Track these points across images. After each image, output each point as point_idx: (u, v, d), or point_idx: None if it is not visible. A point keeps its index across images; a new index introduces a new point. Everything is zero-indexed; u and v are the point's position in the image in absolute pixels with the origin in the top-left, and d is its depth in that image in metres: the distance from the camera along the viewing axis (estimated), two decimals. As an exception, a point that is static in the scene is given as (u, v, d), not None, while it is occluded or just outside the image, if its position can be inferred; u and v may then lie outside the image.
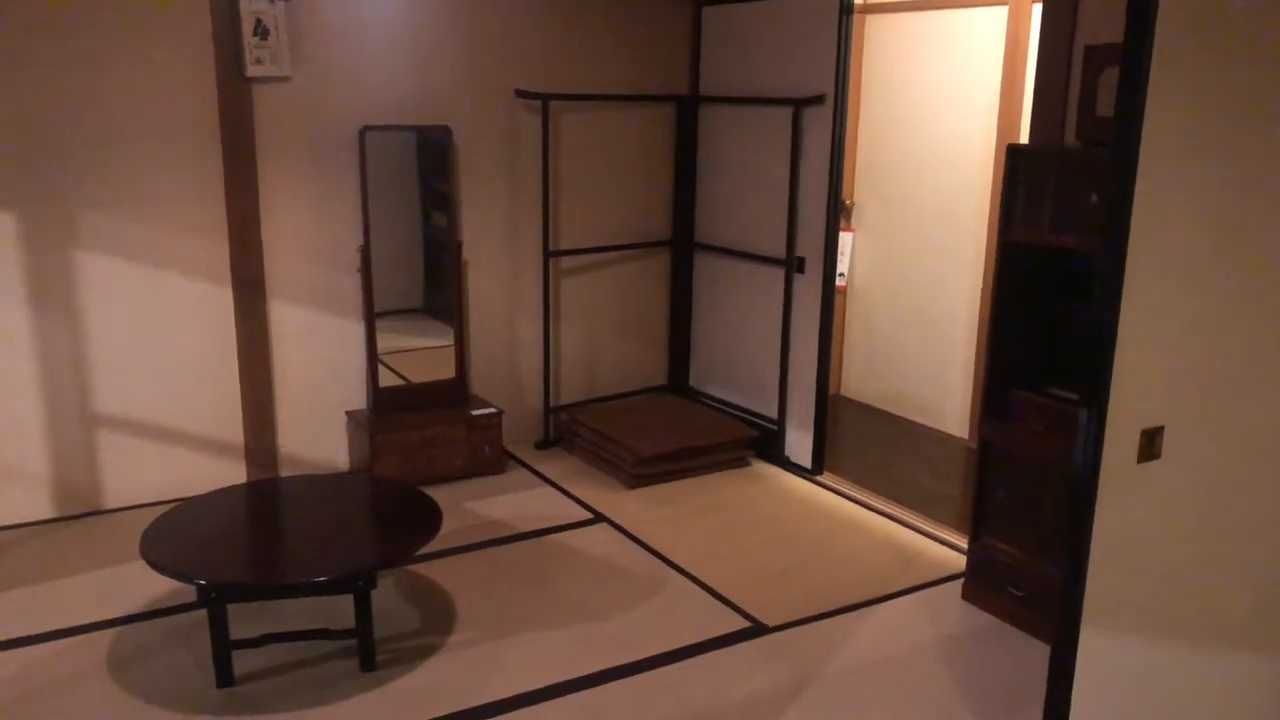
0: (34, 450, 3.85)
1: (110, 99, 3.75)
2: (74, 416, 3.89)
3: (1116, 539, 2.17)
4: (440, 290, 4.64)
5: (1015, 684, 3.02)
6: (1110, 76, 2.86)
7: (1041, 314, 3.33)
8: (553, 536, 3.93)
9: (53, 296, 3.79)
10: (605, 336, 5.08)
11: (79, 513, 3.96)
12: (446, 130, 4.38)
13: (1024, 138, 4.47)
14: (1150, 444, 2.15)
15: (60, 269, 3.78)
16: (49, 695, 2.83)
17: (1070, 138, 3.17)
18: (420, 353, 4.60)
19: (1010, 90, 4.60)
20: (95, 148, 3.75)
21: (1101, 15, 3.06)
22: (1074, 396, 3.19)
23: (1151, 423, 2.15)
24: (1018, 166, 3.18)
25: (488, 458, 4.49)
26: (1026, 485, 3.30)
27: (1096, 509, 2.12)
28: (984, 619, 3.38)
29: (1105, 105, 2.90)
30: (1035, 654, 3.15)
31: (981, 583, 3.45)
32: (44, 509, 3.91)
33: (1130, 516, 2.19)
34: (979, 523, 3.46)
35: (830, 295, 4.45)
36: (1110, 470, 2.12)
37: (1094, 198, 2.89)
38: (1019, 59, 4.55)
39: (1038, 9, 4.41)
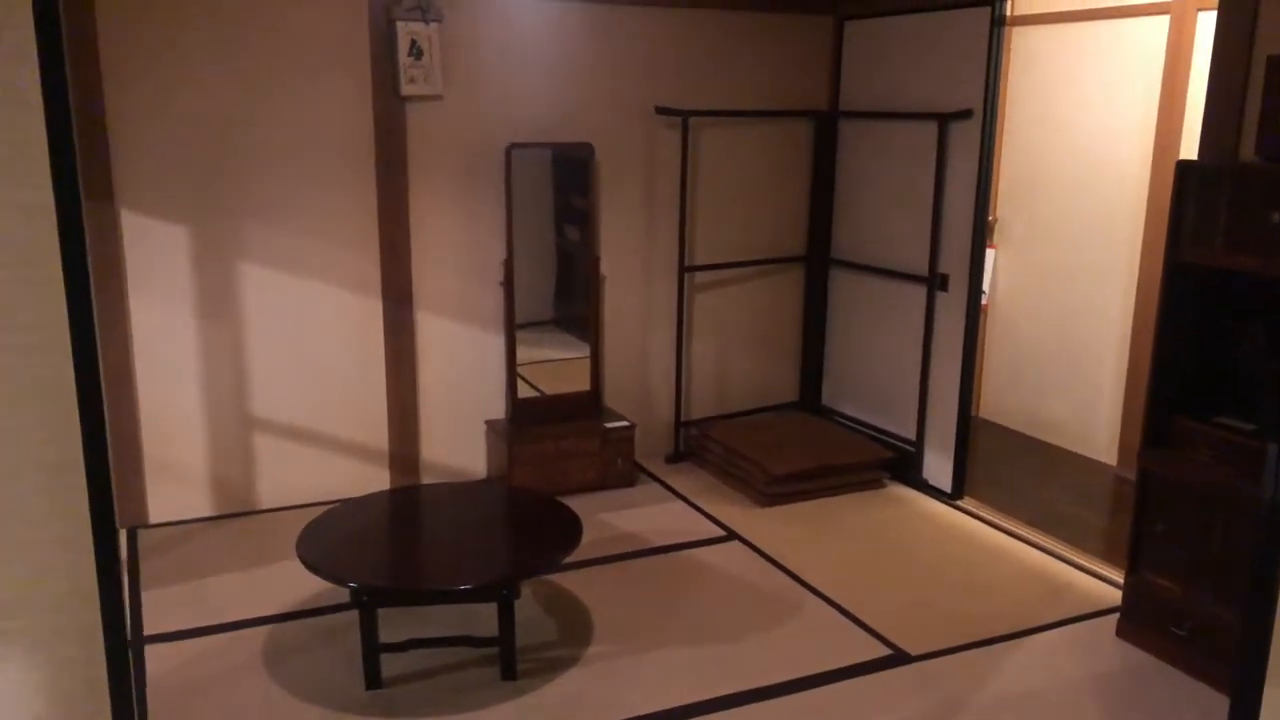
0: (196, 450, 4.06)
1: (274, 117, 3.93)
2: (233, 419, 4.09)
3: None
4: (572, 303, 4.70)
5: (1178, 729, 2.86)
6: (1298, 89, 2.69)
7: (1209, 339, 3.16)
8: (686, 552, 3.92)
9: (217, 304, 3.99)
10: (737, 351, 5.06)
11: (235, 511, 4.16)
12: (589, 147, 4.44)
13: (1184, 153, 4.25)
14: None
15: (224, 279, 3.99)
16: (208, 688, 2.96)
17: (1247, 153, 3.00)
18: (555, 365, 4.66)
19: (1170, 104, 4.39)
20: (259, 164, 3.95)
21: (1284, 23, 2.89)
22: (1245, 426, 3.01)
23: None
24: (1188, 184, 3.02)
25: (619, 470, 4.52)
26: (1190, 518, 3.12)
27: (1286, 550, 1.98)
28: (1141, 658, 3.22)
29: (1292, 119, 2.74)
30: (1198, 698, 2.98)
31: (1138, 620, 3.28)
32: (204, 507, 4.12)
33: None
34: (1137, 556, 3.29)
35: (975, 314, 4.32)
36: (1302, 509, 1.97)
37: (1276, 217, 2.72)
38: (1180, 71, 4.34)
39: (1204, 18, 4.20)
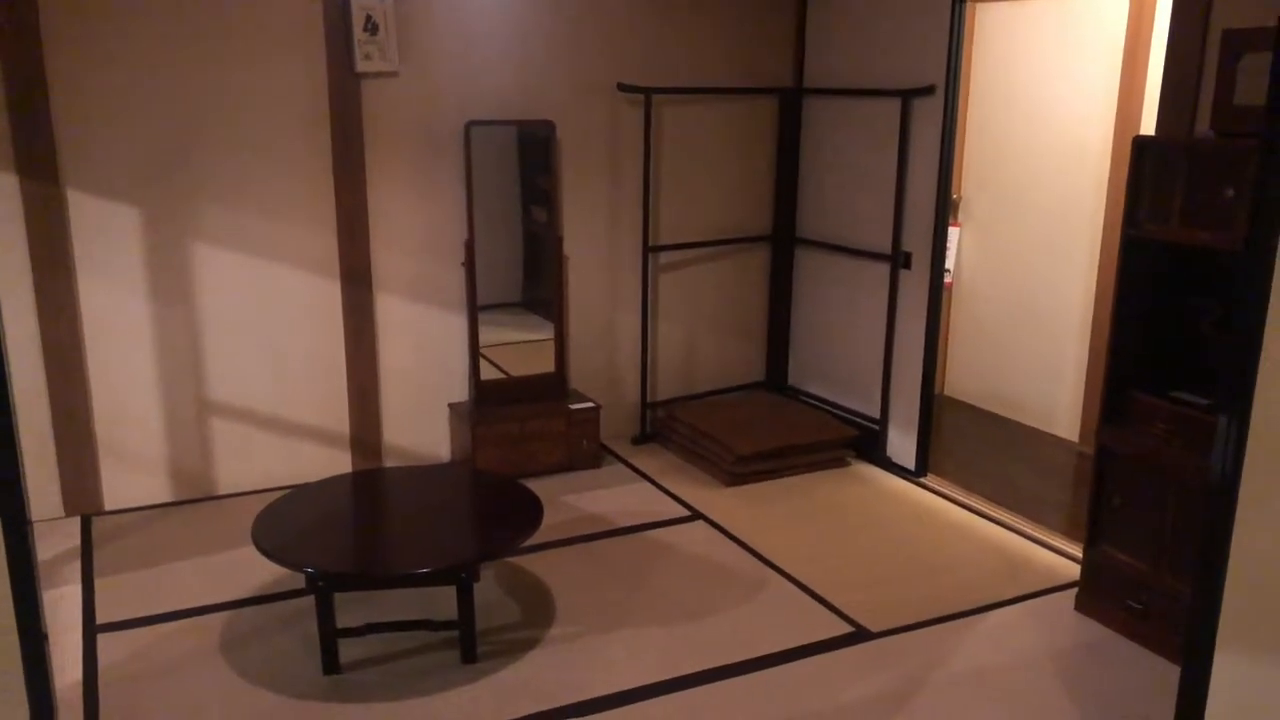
0: (152, 436, 4.00)
1: (226, 94, 3.85)
2: (189, 404, 4.03)
3: (1255, 556, 2.04)
4: (539, 284, 4.66)
5: (1133, 701, 2.88)
6: (1252, 62, 2.69)
7: (1166, 314, 3.17)
8: (650, 532, 3.91)
9: (170, 287, 3.92)
10: (704, 332, 5.04)
11: (193, 497, 4.10)
12: (549, 125, 4.39)
13: (1145, 130, 4.26)
14: (1296, 455, 2.01)
15: (177, 260, 3.91)
16: (163, 675, 2.92)
17: (1202, 128, 3.00)
18: (520, 346, 4.63)
19: (1130, 80, 4.40)
20: (211, 142, 3.87)
21: (1239, -2, 2.89)
22: (1200, 401, 3.03)
23: (1298, 432, 2.01)
24: (1144, 159, 3.02)
25: (585, 452, 4.50)
26: (1147, 493, 3.14)
27: (1235, 524, 1.99)
28: (1099, 631, 3.24)
29: (1245, 93, 2.74)
30: (1155, 670, 3.00)
31: (1096, 594, 3.31)
32: (162, 493, 4.05)
33: (1272, 533, 2.05)
34: (1094, 531, 3.31)
35: (938, 292, 4.32)
36: (1251, 483, 1.99)
37: (1230, 192, 2.73)
38: (1140, 47, 4.34)
39: (1164, -7, 4.20)
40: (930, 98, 4.21)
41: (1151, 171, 3.00)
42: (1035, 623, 3.29)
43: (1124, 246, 3.12)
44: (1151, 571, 3.13)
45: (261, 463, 4.17)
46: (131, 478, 3.98)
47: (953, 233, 5.10)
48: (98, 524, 3.87)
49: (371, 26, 3.93)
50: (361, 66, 3.97)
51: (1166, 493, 3.08)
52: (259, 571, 3.40)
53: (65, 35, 3.58)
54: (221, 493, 4.14)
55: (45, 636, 1.28)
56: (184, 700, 2.81)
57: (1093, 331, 4.74)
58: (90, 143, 3.69)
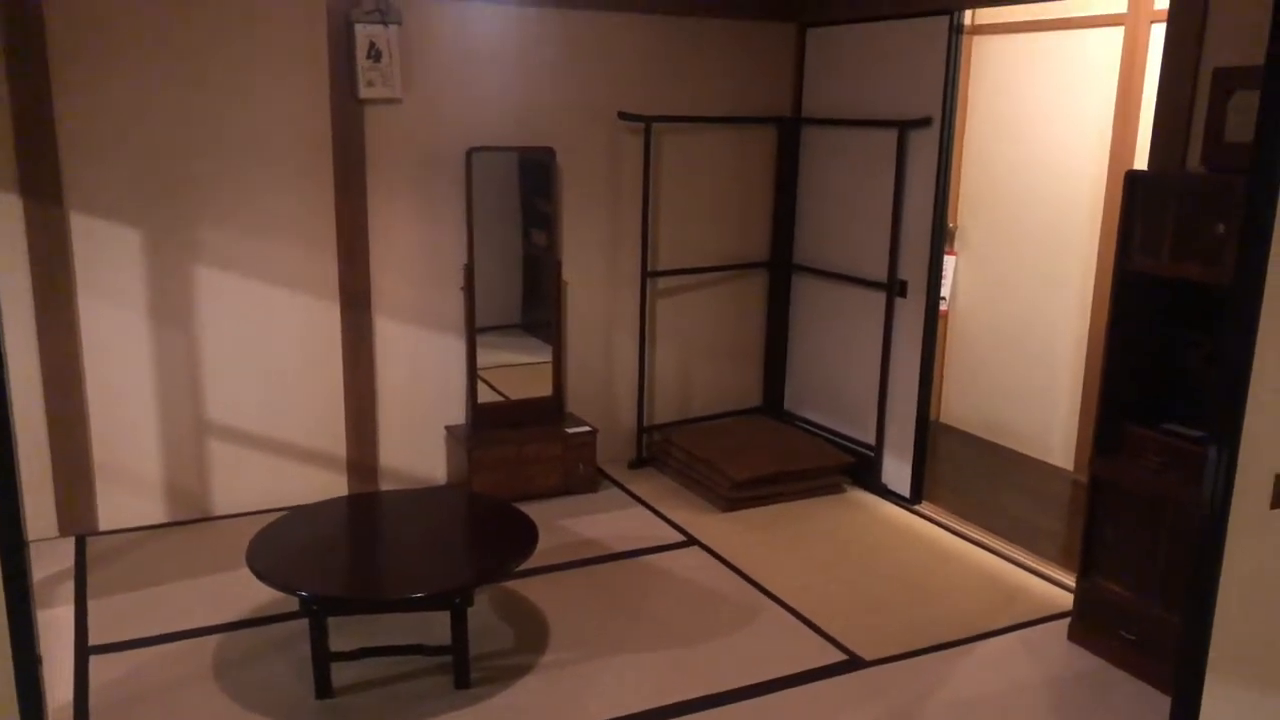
0: (149, 456, 4.00)
1: (230, 119, 3.89)
2: (187, 425, 4.04)
3: (1245, 587, 2.05)
4: (538, 307, 4.69)
5: (1127, 733, 2.88)
6: (1242, 100, 2.73)
7: (1158, 346, 3.20)
8: (645, 558, 3.91)
9: (170, 308, 3.94)
10: (701, 357, 5.06)
11: (189, 518, 4.10)
12: (550, 151, 4.43)
13: (1139, 163, 4.31)
14: (1286, 489, 2.03)
15: (178, 281, 3.94)
16: (156, 697, 2.92)
17: (1194, 164, 3.04)
18: (517, 369, 4.64)
19: (1125, 114, 4.45)
20: (215, 166, 3.90)
21: (1230, 36, 2.93)
22: (1191, 433, 3.05)
23: (1287, 467, 2.03)
24: (1136, 193, 3.05)
25: (582, 476, 4.51)
26: (1140, 524, 3.15)
27: (1225, 555, 2.01)
28: (1092, 661, 3.25)
29: (1236, 130, 2.78)
30: (1148, 701, 3.01)
31: (1090, 624, 3.31)
32: (157, 514, 4.06)
33: (1261, 564, 2.07)
34: (1088, 561, 3.32)
35: (934, 320, 4.35)
36: (1240, 514, 2.00)
37: (1221, 227, 2.76)
38: (1135, 82, 4.39)
39: (1157, 30, 4.26)
40: (927, 129, 4.25)
41: (1143, 206, 3.03)
42: (1028, 652, 3.30)
43: (1116, 280, 3.15)
44: (1144, 602, 3.14)
45: (258, 484, 4.18)
46: (127, 498, 3.99)
47: (949, 261, 5.14)
48: (92, 544, 3.87)
49: (375, 53, 3.97)
50: (365, 93, 4.01)
51: (1159, 524, 3.09)
52: (253, 594, 3.39)
53: (71, 58, 3.62)
54: (217, 514, 4.15)
55: (39, 660, 1.28)
56: (176, 723, 2.81)
57: (1087, 361, 4.76)
58: (94, 165, 3.72)
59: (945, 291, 5.03)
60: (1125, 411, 3.21)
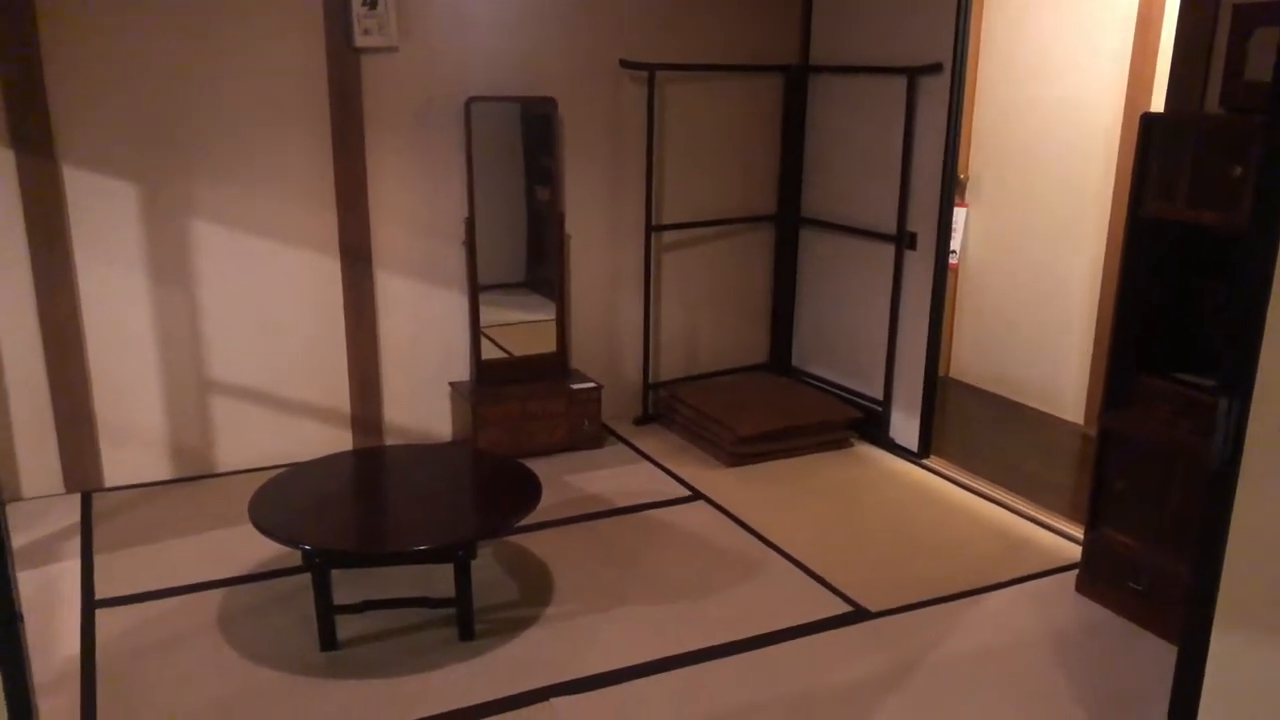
0: (152, 413, 3.99)
1: (223, 69, 3.83)
2: (189, 381, 4.02)
3: (1254, 537, 2.02)
4: (542, 265, 4.64)
5: (1133, 682, 2.86)
6: (1263, 37, 2.65)
7: (1171, 295, 3.14)
8: (650, 512, 3.89)
9: (169, 264, 3.91)
10: (706, 313, 5.01)
11: (193, 475, 4.10)
12: (551, 102, 4.35)
13: (1156, 106, 4.21)
14: (1298, 437, 1.99)
15: (176, 237, 3.90)
16: (161, 651, 2.92)
17: (1213, 105, 2.96)
18: (522, 326, 4.61)
19: (1142, 56, 4.34)
20: (209, 118, 3.84)
21: (1251, -28, 2.84)
22: (1205, 382, 3.00)
23: (1300, 414, 1.98)
24: (1152, 136, 2.98)
25: (587, 432, 4.49)
26: (1150, 475, 3.11)
27: (1235, 505, 1.97)
28: (1099, 613, 3.22)
29: (1256, 69, 2.69)
30: (1155, 652, 2.99)
31: (1097, 575, 3.29)
32: (161, 470, 4.06)
33: (1271, 514, 2.03)
34: (1096, 513, 3.29)
35: (943, 273, 4.29)
36: (1251, 465, 1.96)
37: (1238, 170, 2.69)
38: (1153, 23, 4.28)
39: (1175, -32, 4.14)
40: (937, 75, 4.16)
41: (1159, 150, 2.96)
42: (1035, 604, 3.28)
43: (1129, 227, 3.08)
44: (1152, 553, 3.11)
45: (261, 441, 4.17)
46: (131, 455, 3.98)
47: (959, 213, 5.06)
48: (98, 500, 3.87)
49: (370, 1, 3.89)
50: (360, 41, 3.93)
51: (1170, 475, 3.05)
52: (257, 548, 3.39)
53: (58, 8, 3.55)
54: (221, 470, 4.14)
55: (20, 617, 1.26)
56: (182, 675, 2.81)
57: (1099, 313, 4.70)
58: (86, 117, 3.67)
59: (955, 244, 4.95)
60: (1136, 361, 3.16)
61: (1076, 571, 3.38)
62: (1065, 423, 4.95)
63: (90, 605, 3.16)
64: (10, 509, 3.78)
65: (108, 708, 2.67)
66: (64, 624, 3.05)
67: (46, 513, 3.75)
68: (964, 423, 5.02)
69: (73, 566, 3.39)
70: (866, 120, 4.56)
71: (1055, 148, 4.90)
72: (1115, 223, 4.53)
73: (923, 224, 4.33)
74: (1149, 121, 2.99)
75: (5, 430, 3.77)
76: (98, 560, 3.44)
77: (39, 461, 3.84)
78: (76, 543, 3.55)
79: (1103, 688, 2.84)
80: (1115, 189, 4.55)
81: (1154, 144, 2.97)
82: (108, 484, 3.97)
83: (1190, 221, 2.91)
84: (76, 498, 3.88)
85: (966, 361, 5.55)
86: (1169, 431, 3.04)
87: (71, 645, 2.94)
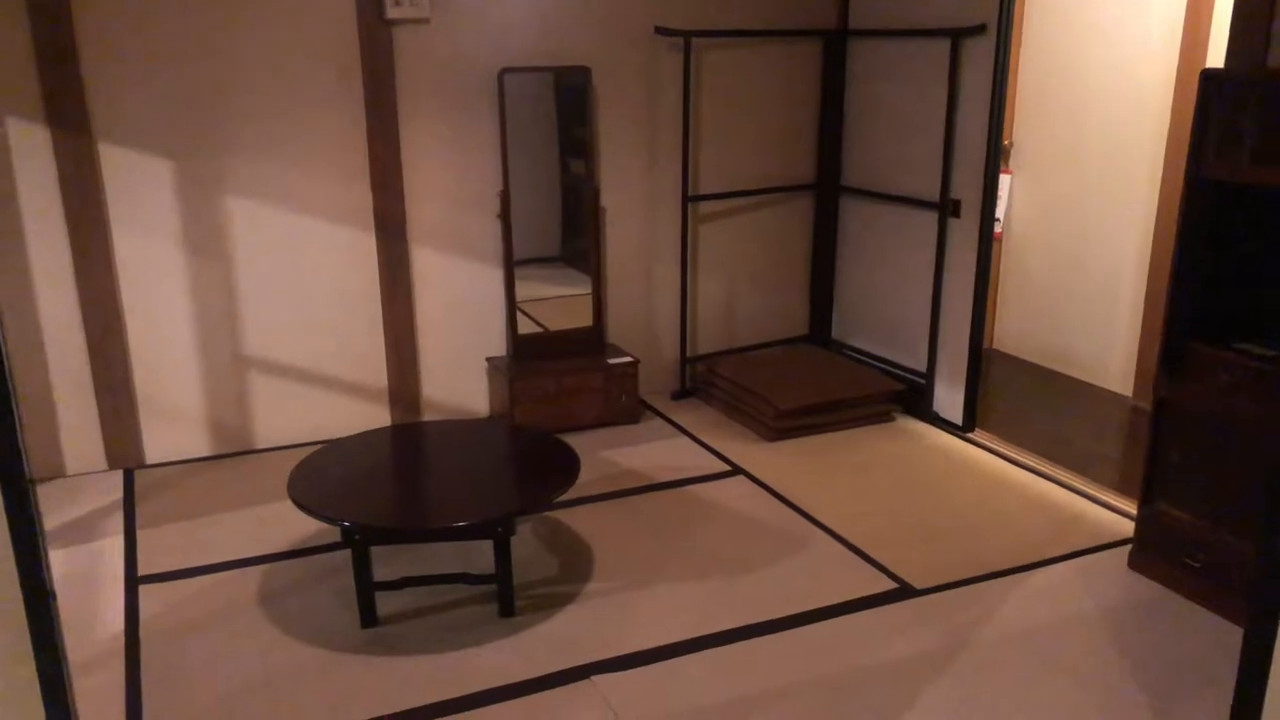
0: (191, 390, 4.00)
1: (255, 43, 3.79)
2: (227, 357, 4.02)
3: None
4: (576, 238, 4.58)
5: (1190, 661, 2.78)
6: (1333, -13, 2.52)
7: (1230, 261, 3.02)
8: (690, 488, 3.85)
9: (205, 239, 3.90)
10: (744, 284, 4.93)
11: (233, 451, 4.11)
12: (585, 71, 4.28)
13: (1212, 64, 4.05)
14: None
15: (211, 212, 3.88)
16: (203, 627, 2.93)
17: (1276, 62, 2.82)
18: (558, 301, 4.56)
19: (1196, 13, 4.18)
20: (245, 95, 3.82)
21: (1319, -80, 2.70)
22: (1266, 352, 2.89)
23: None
24: (1211, 94, 2.85)
25: (624, 407, 4.44)
26: (1208, 448, 3.01)
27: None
28: (1153, 590, 3.13)
29: (1325, 21, 2.56)
30: (1214, 630, 2.90)
31: (1151, 551, 3.20)
32: (201, 447, 4.07)
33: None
34: (1151, 486, 3.19)
35: (988, 241, 4.17)
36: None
37: (1305, 128, 2.57)
38: (1208, -22, 4.12)
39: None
40: (981, 37, 4.03)
41: (1220, 108, 2.83)
42: (1086, 581, 3.19)
43: (1187, 189, 2.96)
44: (1210, 528, 3.01)
45: (299, 417, 4.17)
46: (172, 431, 4.00)
47: (1003, 180, 4.92)
48: (140, 477, 3.89)
49: (402, -29, 3.84)
50: (391, 13, 3.88)
51: (1229, 447, 2.95)
52: (297, 525, 3.39)
53: (95, -15, 3.54)
54: (260, 447, 4.15)
55: (52, 594, 1.23)
56: (223, 652, 2.82)
57: (1150, 282, 4.57)
58: (121, 95, 3.65)
59: (999, 212, 4.83)
60: (1193, 330, 3.05)
61: (1129, 547, 3.29)
62: (1112, 394, 4.83)
63: (133, 581, 3.17)
64: (53, 485, 3.81)
65: (151, 684, 2.68)
66: (107, 601, 3.06)
67: (89, 489, 3.78)
68: (1008, 395, 4.92)
69: (115, 543, 3.41)
70: (908, 85, 4.44)
71: (1103, 111, 4.75)
72: (1167, 187, 4.39)
73: (967, 191, 4.21)
74: (1209, 78, 2.87)
75: (48, 407, 3.80)
76: (140, 536, 3.45)
77: (81, 438, 3.87)
78: (119, 519, 3.57)
79: (1160, 667, 2.76)
80: (1167, 152, 4.40)
81: (1214, 102, 2.84)
82: (149, 460, 3.99)
83: (1254, 183, 2.79)
84: (119, 474, 3.90)
85: (1009, 332, 5.43)
86: (1228, 402, 2.93)
87: (115, 622, 2.96)
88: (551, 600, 3.07)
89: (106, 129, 3.66)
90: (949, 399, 4.44)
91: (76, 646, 2.82)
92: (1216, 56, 4.07)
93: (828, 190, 4.93)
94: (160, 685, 2.68)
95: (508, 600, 2.97)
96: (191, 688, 2.67)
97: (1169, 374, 3.10)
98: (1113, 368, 4.86)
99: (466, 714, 2.56)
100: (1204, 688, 2.66)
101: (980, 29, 4.02)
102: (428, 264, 4.23)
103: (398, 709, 2.57)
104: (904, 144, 4.50)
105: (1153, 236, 4.53)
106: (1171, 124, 4.36)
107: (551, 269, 4.64)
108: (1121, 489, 3.78)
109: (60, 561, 3.29)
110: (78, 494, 3.75)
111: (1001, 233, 5.22)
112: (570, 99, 4.39)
